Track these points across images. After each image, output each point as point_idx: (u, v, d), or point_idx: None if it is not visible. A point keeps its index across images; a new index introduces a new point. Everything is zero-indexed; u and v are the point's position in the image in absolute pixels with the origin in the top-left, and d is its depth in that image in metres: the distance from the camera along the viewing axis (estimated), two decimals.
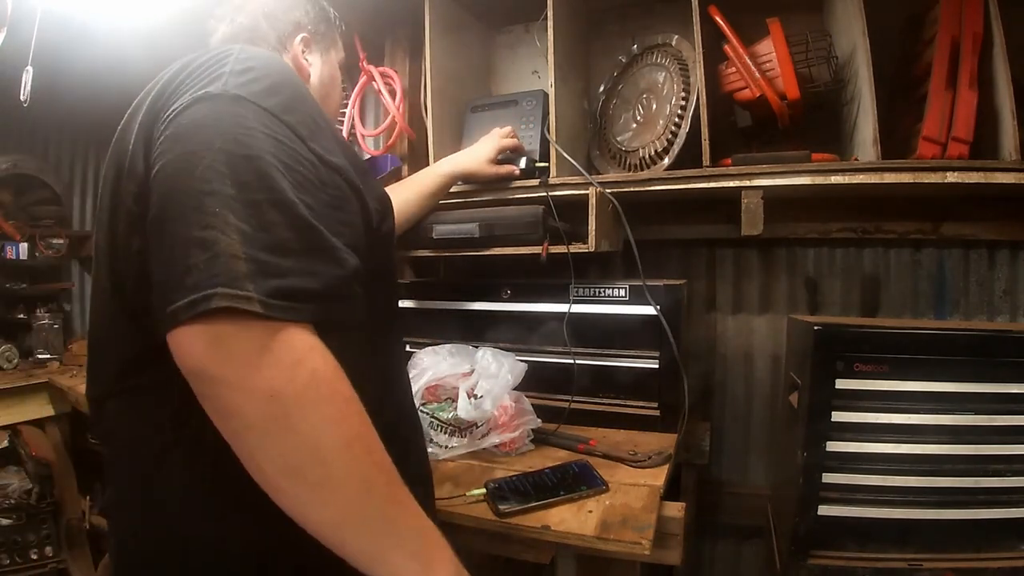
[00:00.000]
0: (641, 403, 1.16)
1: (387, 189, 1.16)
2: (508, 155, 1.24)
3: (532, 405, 1.10)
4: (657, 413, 1.15)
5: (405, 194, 1.17)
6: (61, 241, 2.14)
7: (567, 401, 1.16)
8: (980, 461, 0.89)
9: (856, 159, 1.08)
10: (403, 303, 1.39)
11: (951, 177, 0.96)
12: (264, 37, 0.77)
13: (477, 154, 1.20)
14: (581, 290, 1.18)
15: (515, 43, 1.57)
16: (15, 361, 1.97)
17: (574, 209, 1.17)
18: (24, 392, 1.83)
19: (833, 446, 0.92)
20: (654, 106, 1.30)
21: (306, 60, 0.80)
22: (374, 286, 0.61)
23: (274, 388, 0.44)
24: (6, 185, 2.06)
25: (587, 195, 1.14)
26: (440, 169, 1.19)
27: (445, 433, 1.06)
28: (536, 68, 1.53)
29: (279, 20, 0.79)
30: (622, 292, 1.15)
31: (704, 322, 1.44)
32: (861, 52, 1.03)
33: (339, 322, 0.51)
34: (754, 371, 1.42)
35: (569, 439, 1.09)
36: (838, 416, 0.92)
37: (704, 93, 1.10)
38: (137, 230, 0.52)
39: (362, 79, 1.62)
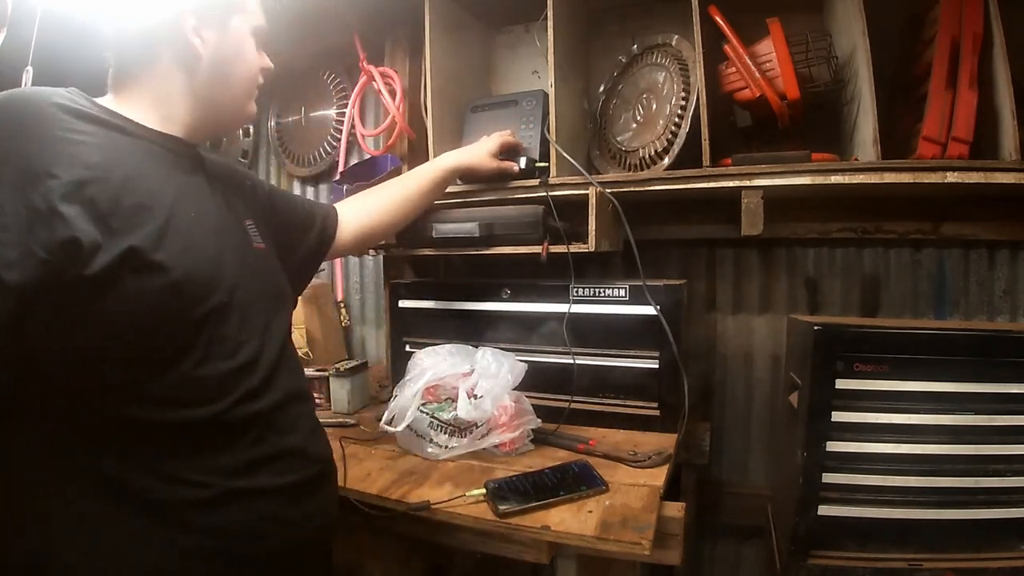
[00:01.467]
0: (641, 403, 1.16)
1: (387, 183, 1.17)
2: (508, 154, 1.24)
3: (532, 405, 1.10)
4: (657, 413, 1.15)
5: (404, 191, 1.15)
6: None
7: (567, 401, 1.16)
8: (980, 461, 0.89)
9: (856, 159, 1.08)
10: (403, 303, 1.39)
11: (951, 177, 0.96)
12: (147, 16, 0.70)
13: (479, 149, 1.20)
14: (581, 290, 1.18)
15: (515, 43, 1.57)
16: None
17: (574, 209, 1.17)
18: None
19: (833, 446, 0.92)
20: (654, 106, 1.30)
21: (199, 38, 0.71)
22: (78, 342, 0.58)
23: None
24: None
25: (587, 195, 1.14)
26: (442, 163, 1.18)
27: (445, 433, 1.06)
28: (536, 68, 1.53)
29: None
30: (622, 292, 1.16)
31: (704, 322, 1.44)
32: (861, 52, 1.03)
33: None
34: (754, 371, 1.42)
35: (569, 439, 1.09)
36: (838, 416, 0.92)
37: (704, 93, 1.10)
38: None
39: (362, 79, 1.62)
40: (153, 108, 0.70)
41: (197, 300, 0.64)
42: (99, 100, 0.68)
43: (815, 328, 0.93)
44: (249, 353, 0.69)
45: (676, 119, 1.21)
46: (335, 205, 1.09)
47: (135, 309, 0.59)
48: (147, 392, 0.62)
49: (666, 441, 1.08)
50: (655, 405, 1.15)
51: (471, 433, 1.06)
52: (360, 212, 1.09)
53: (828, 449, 0.92)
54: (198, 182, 0.73)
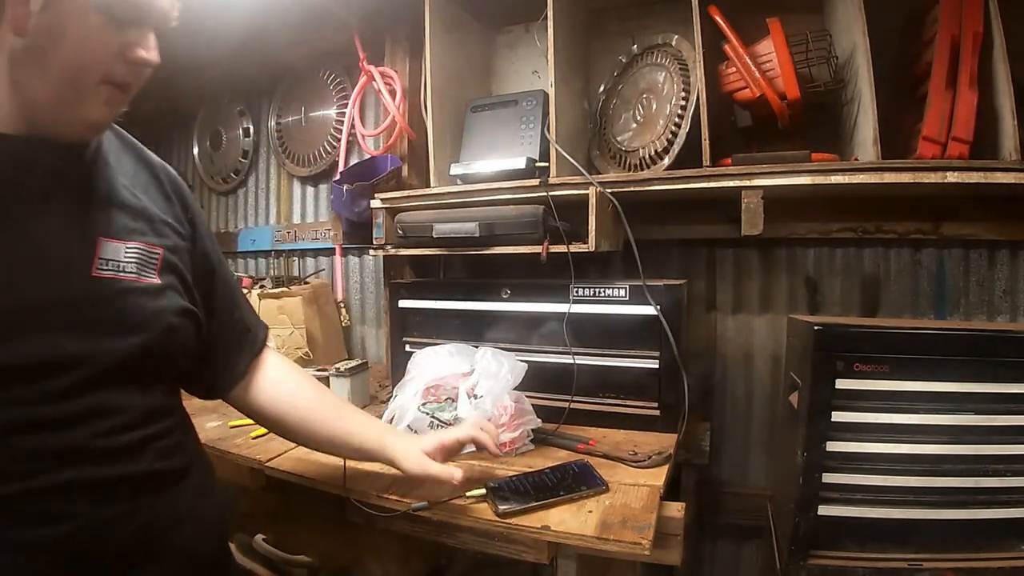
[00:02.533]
0: (641, 403, 1.16)
1: (335, 408, 0.87)
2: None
3: (532, 405, 1.10)
4: (657, 413, 1.15)
5: (339, 422, 0.86)
6: None
7: (567, 401, 1.16)
8: (980, 461, 0.89)
9: (856, 159, 1.08)
10: (403, 303, 1.39)
11: (951, 177, 0.96)
12: None
13: (411, 446, 0.84)
14: (581, 290, 1.18)
15: (515, 43, 1.57)
16: None
17: (574, 209, 1.17)
18: None
19: (833, 446, 0.92)
20: (654, 106, 1.30)
21: (28, 10, 0.52)
22: None
23: None
24: None
25: (587, 195, 1.14)
26: (379, 442, 0.85)
27: None
28: (536, 68, 1.53)
29: None
30: (622, 292, 1.15)
31: (704, 322, 1.44)
32: (861, 52, 1.03)
33: None
34: (754, 371, 1.42)
35: (569, 439, 1.09)
36: (838, 416, 0.92)
37: (704, 93, 1.10)
38: None
39: (362, 79, 1.62)
40: None
41: None
42: None
43: (815, 328, 0.93)
44: None
45: (676, 119, 1.21)
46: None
47: None
48: None
49: (666, 441, 1.08)
50: (655, 405, 1.15)
51: None
52: (288, 390, 0.84)
53: (828, 449, 0.92)
54: (8, 191, 0.57)
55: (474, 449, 0.89)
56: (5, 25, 0.52)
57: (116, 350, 0.61)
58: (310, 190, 1.99)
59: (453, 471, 0.81)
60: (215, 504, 0.75)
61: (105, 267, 0.61)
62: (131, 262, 0.63)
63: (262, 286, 1.70)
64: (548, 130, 1.24)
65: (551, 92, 1.23)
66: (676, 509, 0.88)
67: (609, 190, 1.15)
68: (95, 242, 0.61)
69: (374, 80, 1.57)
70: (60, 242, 0.59)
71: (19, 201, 0.57)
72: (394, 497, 0.90)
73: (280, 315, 1.62)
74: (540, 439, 1.10)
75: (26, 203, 0.58)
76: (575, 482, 0.90)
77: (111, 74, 0.56)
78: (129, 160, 0.69)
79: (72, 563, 0.56)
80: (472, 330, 1.29)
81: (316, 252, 1.98)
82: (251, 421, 0.87)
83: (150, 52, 0.58)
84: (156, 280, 0.65)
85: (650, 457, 0.99)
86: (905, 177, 0.98)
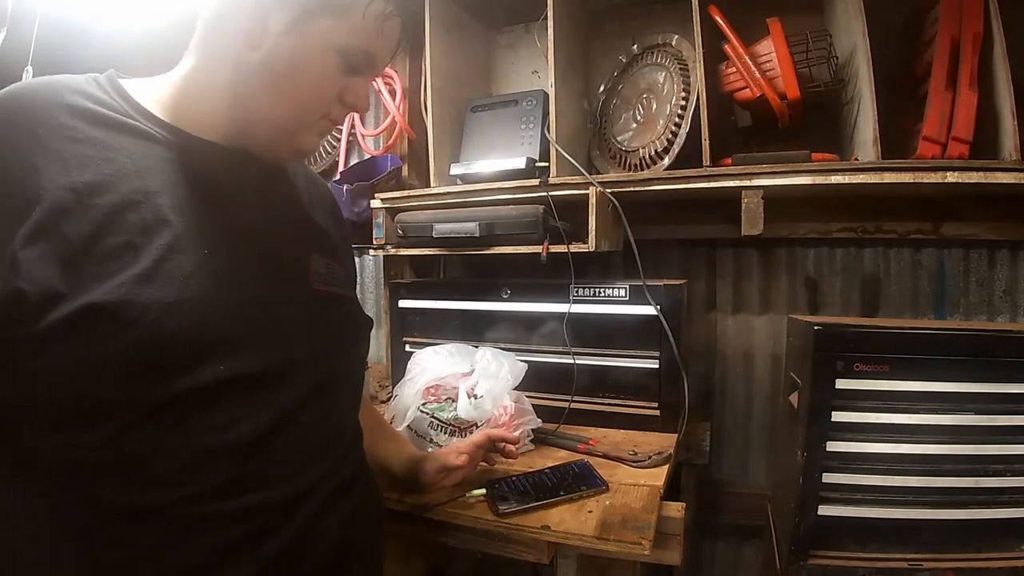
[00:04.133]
0: (641, 403, 1.16)
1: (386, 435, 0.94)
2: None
3: (532, 405, 1.10)
4: (657, 413, 1.15)
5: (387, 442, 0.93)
6: None
7: (567, 401, 1.16)
8: (980, 461, 0.89)
9: (856, 159, 1.08)
10: (403, 303, 1.39)
11: (951, 177, 0.96)
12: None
13: (427, 454, 0.92)
14: (581, 290, 1.18)
15: (515, 43, 1.57)
16: None
17: (574, 209, 1.17)
18: None
19: (833, 446, 0.92)
20: (654, 106, 1.30)
21: (264, 23, 0.53)
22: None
23: None
24: None
25: (587, 195, 1.14)
26: (396, 450, 0.93)
27: (445, 433, 1.06)
28: (536, 68, 1.53)
29: None
30: (622, 292, 1.15)
31: (704, 322, 1.44)
32: (861, 52, 1.03)
33: None
34: (754, 371, 1.42)
35: (569, 439, 1.09)
36: (838, 416, 0.92)
37: (704, 93, 1.10)
38: None
39: None
40: (195, 99, 0.57)
41: (169, 372, 0.49)
42: (148, 83, 0.57)
43: (815, 328, 0.93)
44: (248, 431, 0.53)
45: (676, 119, 1.21)
46: None
47: (84, 367, 0.47)
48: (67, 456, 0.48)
49: (666, 441, 1.08)
50: (655, 405, 1.15)
51: (471, 433, 1.05)
52: None
53: (828, 449, 0.92)
54: (233, 203, 0.58)
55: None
56: (240, 38, 0.54)
57: (338, 359, 0.64)
58: None
59: (459, 455, 0.88)
60: (383, 511, 0.78)
61: (320, 280, 0.64)
62: (334, 276, 0.66)
63: None
64: (548, 130, 1.24)
65: (551, 92, 1.23)
66: (676, 509, 0.88)
67: (609, 190, 1.15)
68: (307, 256, 0.64)
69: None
70: (279, 254, 0.61)
71: (236, 210, 0.58)
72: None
73: None
74: (540, 439, 1.10)
75: (242, 213, 0.59)
76: (575, 482, 0.90)
77: (331, 111, 0.60)
78: (302, 177, 0.72)
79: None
80: (472, 330, 1.29)
81: None
82: None
83: (365, 100, 0.62)
84: (352, 294, 0.70)
85: (650, 457, 0.99)
86: (905, 177, 0.98)
